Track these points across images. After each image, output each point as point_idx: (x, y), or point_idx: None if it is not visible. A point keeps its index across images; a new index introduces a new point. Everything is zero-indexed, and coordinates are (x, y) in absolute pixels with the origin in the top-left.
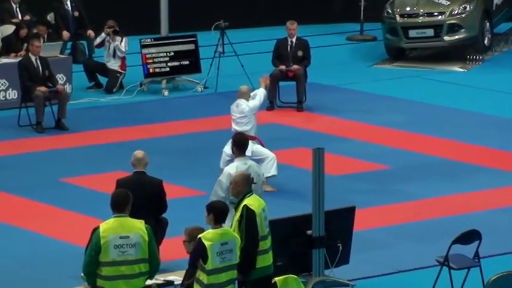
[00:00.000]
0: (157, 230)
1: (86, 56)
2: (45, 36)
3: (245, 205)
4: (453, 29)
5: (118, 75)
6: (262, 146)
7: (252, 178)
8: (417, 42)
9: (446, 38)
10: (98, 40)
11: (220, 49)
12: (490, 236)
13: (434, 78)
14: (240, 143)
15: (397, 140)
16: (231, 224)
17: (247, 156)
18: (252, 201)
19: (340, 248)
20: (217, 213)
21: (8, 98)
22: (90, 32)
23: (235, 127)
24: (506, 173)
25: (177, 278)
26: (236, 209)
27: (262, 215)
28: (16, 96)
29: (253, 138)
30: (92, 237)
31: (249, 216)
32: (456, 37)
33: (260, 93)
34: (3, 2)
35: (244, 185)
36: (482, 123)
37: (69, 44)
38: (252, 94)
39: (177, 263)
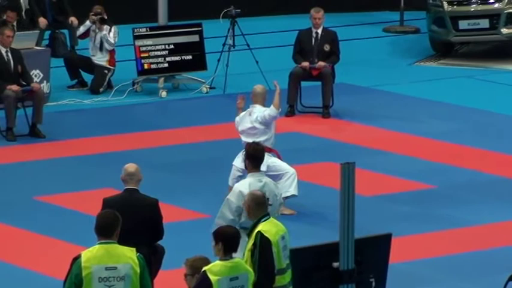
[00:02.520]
0: (152, 260)
1: (67, 48)
2: (15, 24)
3: (259, 232)
4: None
5: (106, 72)
6: (280, 159)
7: (267, 199)
8: (469, 35)
9: (504, 30)
10: (82, 29)
11: (230, 41)
12: None
13: (489, 79)
14: (255, 156)
15: (444, 154)
16: (242, 254)
17: (262, 172)
18: (268, 227)
19: (373, 284)
20: (227, 241)
21: None
22: (73, 20)
23: (246, 139)
24: None
25: None
26: (249, 235)
27: (280, 243)
28: None
29: (269, 150)
30: (71, 268)
31: (263, 245)
32: None
33: (271, 109)
34: None
35: (256, 208)
36: None
37: (47, 34)
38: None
39: None
